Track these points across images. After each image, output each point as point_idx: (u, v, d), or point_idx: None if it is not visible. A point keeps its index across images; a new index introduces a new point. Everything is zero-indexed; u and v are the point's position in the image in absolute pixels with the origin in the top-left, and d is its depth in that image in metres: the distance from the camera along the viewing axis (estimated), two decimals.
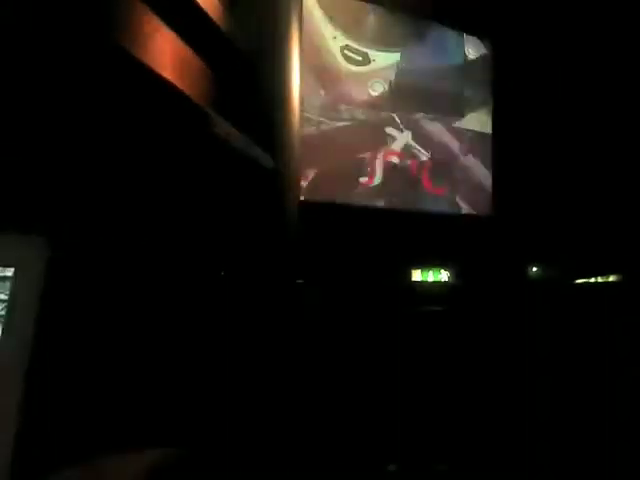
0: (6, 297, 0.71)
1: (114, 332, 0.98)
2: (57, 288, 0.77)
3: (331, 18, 2.48)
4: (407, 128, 2.86)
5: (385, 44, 2.79)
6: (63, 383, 0.80)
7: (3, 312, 0.70)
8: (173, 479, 0.53)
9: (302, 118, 2.17)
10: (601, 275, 2.69)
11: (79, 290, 0.88)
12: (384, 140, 2.77)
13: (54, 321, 0.74)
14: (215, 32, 1.77)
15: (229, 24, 1.82)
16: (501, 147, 3.13)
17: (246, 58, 1.91)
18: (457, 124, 3.06)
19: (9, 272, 0.72)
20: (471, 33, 3.13)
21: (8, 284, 0.70)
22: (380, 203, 2.65)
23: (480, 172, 3.09)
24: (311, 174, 2.35)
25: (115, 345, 0.98)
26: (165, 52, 1.62)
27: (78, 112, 1.30)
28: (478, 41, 3.17)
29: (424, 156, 2.90)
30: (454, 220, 2.91)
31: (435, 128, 2.97)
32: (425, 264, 2.64)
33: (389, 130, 2.79)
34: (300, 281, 2.17)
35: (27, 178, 0.99)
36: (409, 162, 2.82)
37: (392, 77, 2.81)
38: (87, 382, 0.85)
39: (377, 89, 2.75)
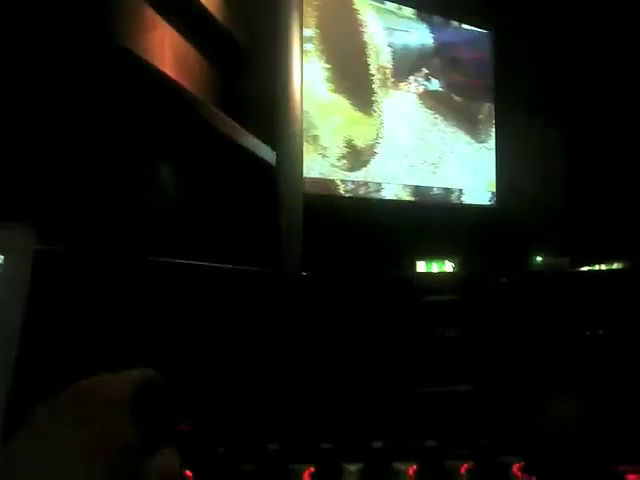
0: None
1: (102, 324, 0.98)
2: (45, 279, 0.77)
3: None
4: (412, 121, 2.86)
5: None
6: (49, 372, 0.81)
7: None
8: (160, 396, 0.54)
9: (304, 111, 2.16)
10: (605, 262, 2.68)
11: (67, 282, 0.89)
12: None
13: (42, 312, 0.75)
14: (213, 24, 1.76)
15: (227, 16, 1.81)
16: (502, 135, 3.13)
17: (246, 50, 1.90)
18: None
19: None
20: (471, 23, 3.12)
21: None
22: (384, 195, 2.65)
23: (482, 162, 3.09)
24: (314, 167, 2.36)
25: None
26: (164, 47, 1.62)
27: (75, 106, 1.29)
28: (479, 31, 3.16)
29: (429, 149, 2.90)
30: (458, 211, 2.92)
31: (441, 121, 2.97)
32: (429, 255, 2.64)
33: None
34: (306, 274, 2.17)
35: (19, 168, 0.99)
36: (412, 154, 2.83)
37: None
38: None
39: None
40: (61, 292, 0.87)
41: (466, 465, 0.85)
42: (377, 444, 0.83)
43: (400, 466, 0.83)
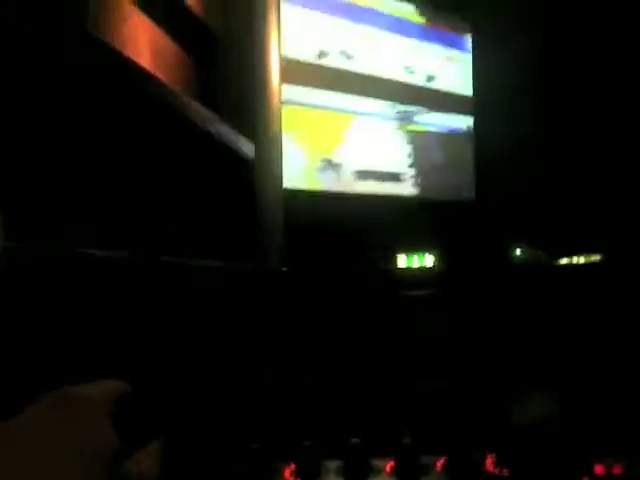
0: None
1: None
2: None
3: None
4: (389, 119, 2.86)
5: None
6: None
7: None
8: (134, 403, 0.57)
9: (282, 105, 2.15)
10: (583, 255, 2.71)
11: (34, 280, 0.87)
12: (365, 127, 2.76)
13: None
14: (191, 17, 1.74)
15: (204, 8, 1.79)
16: (481, 130, 3.15)
17: (224, 44, 1.88)
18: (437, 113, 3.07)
19: None
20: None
21: None
22: (363, 189, 2.65)
23: (461, 155, 3.11)
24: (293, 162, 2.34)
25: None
26: (141, 39, 1.59)
27: (48, 98, 1.27)
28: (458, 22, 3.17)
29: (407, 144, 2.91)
30: (437, 205, 2.93)
31: (418, 119, 2.98)
32: (410, 249, 2.65)
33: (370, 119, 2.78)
34: (285, 269, 2.16)
35: None
36: (390, 148, 2.83)
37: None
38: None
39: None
40: (26, 291, 0.85)
41: (442, 460, 0.85)
42: (355, 441, 0.83)
43: (378, 462, 0.83)
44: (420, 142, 2.96)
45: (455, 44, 3.17)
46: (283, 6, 2.27)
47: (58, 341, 0.88)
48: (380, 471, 0.82)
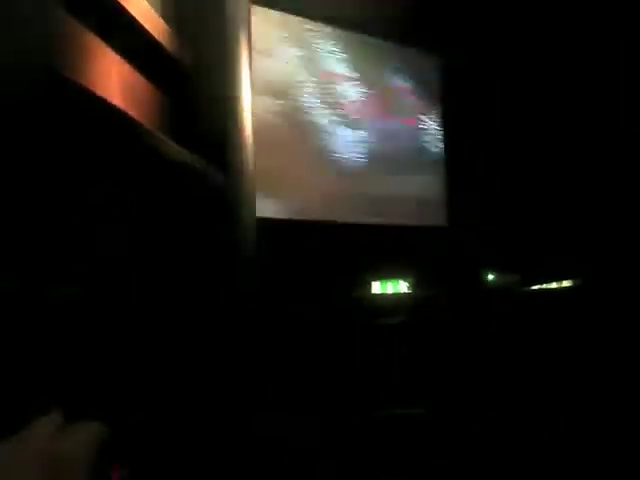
0: None
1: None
2: None
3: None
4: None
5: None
6: None
7: None
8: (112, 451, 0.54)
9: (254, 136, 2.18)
10: (556, 281, 2.76)
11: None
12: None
13: None
14: (161, 53, 1.77)
15: (175, 44, 1.82)
16: (453, 156, 3.20)
17: (194, 78, 1.91)
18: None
19: None
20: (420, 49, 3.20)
21: None
22: (335, 217, 2.67)
23: (433, 182, 3.16)
24: (266, 191, 2.37)
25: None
26: (111, 76, 1.61)
27: (20, 136, 1.28)
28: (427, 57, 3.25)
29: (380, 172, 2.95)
30: (410, 231, 2.96)
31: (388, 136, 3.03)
32: (384, 276, 2.67)
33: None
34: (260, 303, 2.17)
35: None
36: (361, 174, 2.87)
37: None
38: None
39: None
40: None
41: None
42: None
43: None
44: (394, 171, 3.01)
45: None
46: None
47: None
48: None
